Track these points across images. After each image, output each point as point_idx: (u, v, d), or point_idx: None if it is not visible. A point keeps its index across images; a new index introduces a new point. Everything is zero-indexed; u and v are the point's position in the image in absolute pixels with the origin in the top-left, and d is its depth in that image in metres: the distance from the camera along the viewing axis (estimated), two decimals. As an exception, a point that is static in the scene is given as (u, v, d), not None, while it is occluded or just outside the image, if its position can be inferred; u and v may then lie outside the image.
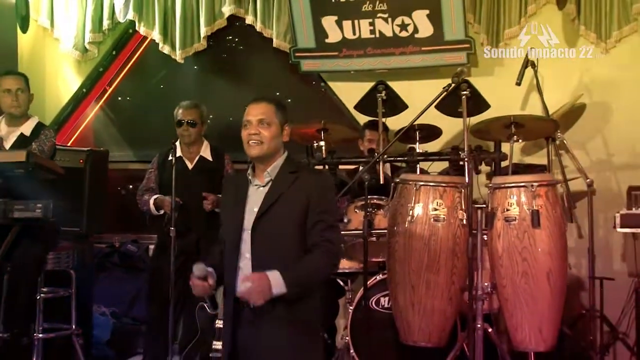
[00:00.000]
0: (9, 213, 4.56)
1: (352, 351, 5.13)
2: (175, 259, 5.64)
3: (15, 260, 4.92)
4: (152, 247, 6.65)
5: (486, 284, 4.45)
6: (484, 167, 5.23)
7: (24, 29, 6.81)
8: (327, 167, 5.32)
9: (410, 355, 4.88)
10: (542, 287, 4.28)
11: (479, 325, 4.33)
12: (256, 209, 3.44)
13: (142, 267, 6.74)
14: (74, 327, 5.50)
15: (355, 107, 5.62)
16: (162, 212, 5.77)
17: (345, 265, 5.48)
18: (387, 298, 5.17)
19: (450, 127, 5.75)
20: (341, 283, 5.70)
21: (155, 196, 5.79)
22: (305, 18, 6.26)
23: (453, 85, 4.54)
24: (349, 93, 6.54)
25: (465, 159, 5.03)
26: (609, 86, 6.11)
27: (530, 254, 4.27)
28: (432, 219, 4.39)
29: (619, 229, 5.19)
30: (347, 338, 5.29)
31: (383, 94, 5.30)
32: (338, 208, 3.55)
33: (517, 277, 4.29)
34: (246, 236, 3.44)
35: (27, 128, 5.27)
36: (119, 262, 6.83)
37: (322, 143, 5.38)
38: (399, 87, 5.65)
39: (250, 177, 3.55)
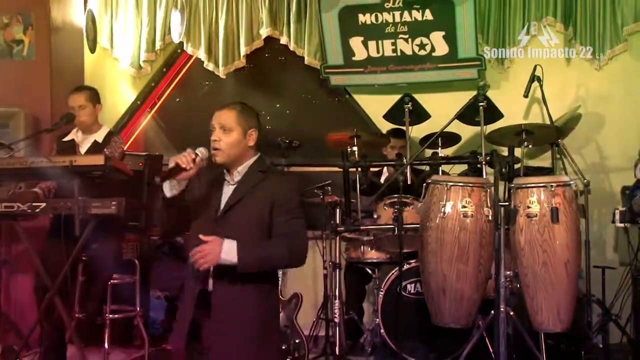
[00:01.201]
0: (87, 209, 4.43)
1: (382, 331, 5.08)
2: None
3: (93, 251, 4.85)
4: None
5: (508, 272, 4.30)
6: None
7: (93, 50, 6.71)
8: (360, 169, 5.20)
9: (432, 334, 4.84)
10: (560, 275, 4.15)
11: (502, 309, 4.17)
12: (223, 206, 3.16)
13: (186, 256, 6.60)
14: (138, 309, 5.37)
15: (384, 117, 5.51)
16: None
17: (373, 255, 5.43)
18: (413, 285, 5.10)
19: (467, 134, 5.67)
20: (369, 271, 5.61)
21: None
22: (335, 38, 6.19)
23: (479, 95, 4.43)
24: (372, 104, 6.50)
25: (483, 162, 4.96)
26: (602, 99, 6.03)
27: (549, 246, 4.14)
28: (461, 215, 4.26)
29: (618, 224, 5.07)
30: (377, 320, 5.19)
31: (409, 105, 5.19)
32: (303, 208, 3.25)
33: (537, 267, 4.16)
34: (214, 228, 3.09)
35: (99, 136, 5.23)
36: (168, 252, 6.68)
37: (354, 148, 5.26)
38: (422, 99, 5.56)
39: (226, 176, 3.24)
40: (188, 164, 3.02)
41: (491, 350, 4.84)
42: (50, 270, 4.76)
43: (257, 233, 3.14)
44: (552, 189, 4.16)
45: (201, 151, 3.11)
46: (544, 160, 5.94)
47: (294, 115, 6.68)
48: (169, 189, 3.08)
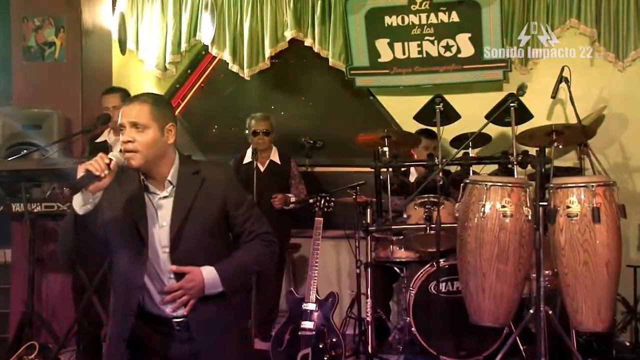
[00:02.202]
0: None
1: (413, 329, 4.95)
2: None
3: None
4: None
5: (547, 272, 4.20)
6: (529, 169, 5.06)
7: (123, 51, 6.58)
8: (391, 169, 5.09)
9: (462, 332, 4.74)
10: (601, 275, 4.04)
11: (542, 308, 4.06)
12: (165, 224, 2.66)
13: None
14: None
15: (415, 117, 5.37)
16: None
17: (402, 255, 5.34)
18: (444, 283, 4.98)
19: (495, 134, 5.56)
20: (397, 270, 5.50)
21: None
22: (361, 40, 6.09)
23: (519, 96, 4.33)
24: (395, 105, 6.41)
25: (515, 162, 4.86)
26: (625, 100, 5.92)
27: (590, 246, 4.02)
28: (501, 215, 4.14)
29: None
30: (407, 318, 5.08)
31: (441, 106, 5.07)
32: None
33: (578, 266, 4.04)
34: (162, 255, 2.64)
35: None
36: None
37: (385, 149, 5.14)
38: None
39: (145, 183, 2.69)
40: (102, 171, 2.45)
41: (522, 348, 4.75)
42: (86, 269, 4.66)
43: (217, 242, 2.75)
44: (593, 188, 4.04)
45: (115, 155, 2.56)
46: (567, 161, 5.84)
47: (318, 116, 6.54)
48: (80, 203, 2.47)
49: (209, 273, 2.61)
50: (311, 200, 5.07)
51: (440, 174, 4.95)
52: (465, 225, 4.25)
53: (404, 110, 6.27)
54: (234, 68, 6.55)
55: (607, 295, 4.08)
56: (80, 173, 2.43)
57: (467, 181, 4.34)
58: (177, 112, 6.85)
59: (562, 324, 4.24)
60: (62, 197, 4.52)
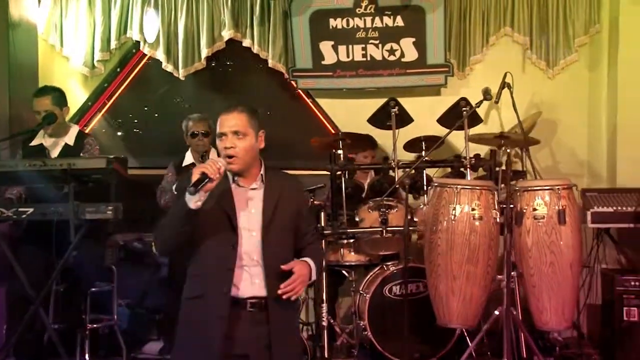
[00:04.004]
0: (81, 214, 3.98)
1: (369, 333, 4.87)
2: None
3: (80, 258, 4.41)
4: (156, 244, 6.15)
5: (513, 273, 4.22)
6: (480, 172, 5.10)
7: None
8: (347, 172, 4.98)
9: (416, 335, 4.68)
10: (566, 275, 4.12)
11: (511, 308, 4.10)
12: (254, 211, 2.94)
13: (148, 262, 6.13)
14: (115, 317, 4.92)
15: (368, 121, 5.29)
16: None
17: (352, 258, 5.27)
18: (398, 286, 4.93)
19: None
20: (345, 273, 5.39)
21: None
22: (305, 42, 5.97)
23: (487, 99, 4.35)
24: (336, 108, 6.31)
25: (468, 165, 4.89)
26: (555, 106, 6.09)
27: (556, 247, 4.10)
28: (471, 218, 4.13)
29: (590, 225, 5.08)
30: (362, 322, 4.99)
31: (396, 109, 5.02)
32: None
33: (544, 267, 4.11)
34: (252, 237, 2.91)
35: (70, 138, 4.81)
36: (125, 258, 6.19)
37: (340, 151, 5.03)
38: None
39: (234, 178, 2.97)
40: (215, 174, 2.74)
41: (471, 346, 4.76)
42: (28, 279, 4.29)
43: (290, 243, 3.06)
44: (559, 191, 4.11)
45: (221, 161, 2.83)
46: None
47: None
48: (194, 200, 2.74)
49: (310, 265, 2.97)
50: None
51: (397, 177, 4.93)
52: (435, 228, 4.21)
53: (344, 114, 6.21)
54: (168, 68, 6.26)
55: (570, 295, 4.18)
56: (196, 175, 2.71)
57: (436, 184, 4.31)
58: (103, 112, 6.48)
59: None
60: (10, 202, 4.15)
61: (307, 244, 3.15)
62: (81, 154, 4.56)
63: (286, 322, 3.00)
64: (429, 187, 5.01)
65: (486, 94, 4.41)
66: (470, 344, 4.76)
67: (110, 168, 3.90)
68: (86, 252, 4.42)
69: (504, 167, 5.50)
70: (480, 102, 4.47)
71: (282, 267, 2.87)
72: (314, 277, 2.98)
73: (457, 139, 5.45)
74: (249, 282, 2.89)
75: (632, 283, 4.82)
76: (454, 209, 4.13)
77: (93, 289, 4.79)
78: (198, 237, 2.89)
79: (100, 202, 4.26)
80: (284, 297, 2.85)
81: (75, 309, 4.64)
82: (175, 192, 3.06)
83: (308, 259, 2.99)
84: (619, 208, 5.08)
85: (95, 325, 4.83)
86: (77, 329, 4.67)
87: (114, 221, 4.50)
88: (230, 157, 2.85)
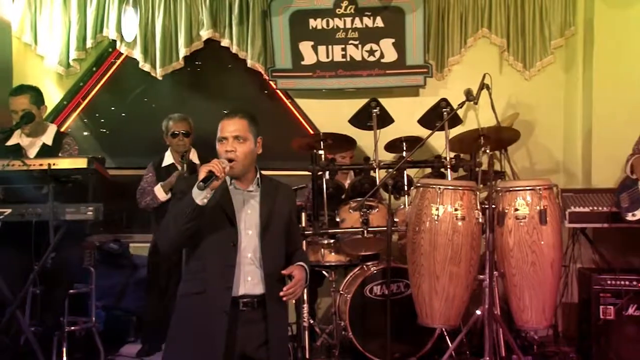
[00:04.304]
0: (60, 215, 3.90)
1: (350, 333, 4.86)
2: (171, 256, 5.21)
3: (59, 259, 4.32)
4: (132, 245, 6.12)
5: (495, 272, 4.25)
6: (460, 172, 5.12)
7: None
8: (328, 172, 4.97)
9: (396, 335, 4.61)
10: (547, 274, 4.14)
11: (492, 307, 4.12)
12: (251, 212, 3.07)
13: (124, 264, 6.07)
14: (93, 319, 4.85)
15: (350, 121, 5.26)
16: (169, 195, 5.22)
17: (332, 259, 5.25)
18: (379, 287, 4.93)
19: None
20: (325, 274, 5.38)
21: (161, 183, 5.30)
22: (284, 42, 5.94)
23: (470, 100, 4.36)
24: (314, 108, 6.31)
25: (448, 166, 4.90)
26: (531, 108, 6.15)
27: (538, 247, 4.11)
28: (454, 218, 4.13)
29: (567, 225, 5.14)
30: (342, 322, 4.99)
31: (377, 110, 5.02)
32: None
33: (526, 267, 4.12)
34: (250, 237, 3.04)
35: (47, 137, 4.70)
36: (101, 260, 6.10)
37: (321, 152, 5.01)
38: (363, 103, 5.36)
39: (231, 181, 3.09)
40: (221, 172, 2.88)
41: (450, 344, 4.80)
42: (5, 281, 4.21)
43: (283, 243, 3.19)
44: (540, 191, 4.13)
45: (224, 160, 2.95)
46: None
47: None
48: (201, 197, 2.87)
49: (306, 269, 3.14)
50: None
51: (378, 178, 4.92)
52: (417, 229, 4.20)
53: (323, 114, 6.20)
54: (146, 67, 6.19)
55: (550, 294, 4.20)
56: (203, 173, 2.83)
57: (419, 184, 4.31)
58: (78, 112, 6.39)
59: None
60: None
61: (296, 248, 3.31)
62: (60, 154, 4.47)
63: (281, 319, 3.15)
64: (410, 188, 5.03)
65: (469, 94, 4.41)
66: (449, 343, 4.80)
67: (91, 168, 3.83)
68: (66, 253, 4.33)
69: (484, 168, 5.60)
70: (463, 103, 4.48)
71: (283, 272, 3.04)
72: (307, 281, 3.14)
73: (436, 139, 5.46)
74: (242, 280, 2.99)
75: (609, 282, 4.87)
76: (437, 209, 4.13)
77: (71, 291, 4.69)
78: (198, 235, 2.98)
79: (76, 202, 4.19)
80: (285, 299, 3.00)
81: (53, 311, 4.53)
82: (175, 195, 3.11)
83: (303, 264, 3.14)
84: (595, 208, 5.14)
85: (73, 328, 4.75)
86: (54, 332, 4.56)
87: (91, 222, 4.44)
88: (230, 160, 2.95)
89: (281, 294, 2.97)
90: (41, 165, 3.81)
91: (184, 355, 2.98)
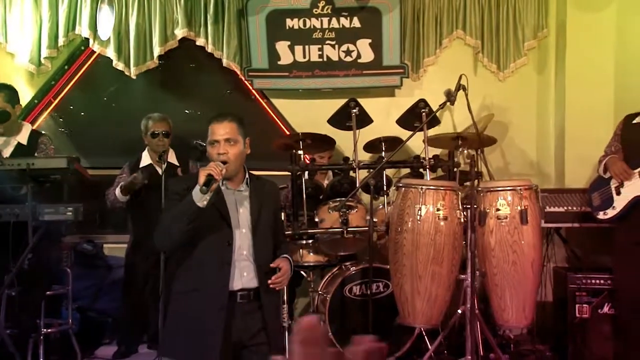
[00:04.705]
0: (39, 215, 3.81)
1: (329, 334, 4.82)
2: (149, 256, 5.16)
3: (36, 260, 4.19)
4: (106, 246, 6.01)
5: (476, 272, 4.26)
6: (439, 172, 5.13)
7: None
8: (307, 172, 4.94)
9: (375, 334, 4.60)
10: (527, 274, 4.17)
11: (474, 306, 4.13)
12: (242, 210, 3.21)
13: (98, 264, 5.96)
14: (70, 321, 4.74)
15: (328, 121, 5.24)
16: (128, 196, 5.18)
17: (311, 259, 5.23)
18: (358, 287, 4.92)
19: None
20: (304, 274, 5.35)
21: (121, 183, 5.19)
22: (261, 42, 5.88)
23: (451, 101, 4.37)
24: (290, 108, 6.25)
25: (427, 167, 4.91)
26: (505, 108, 6.19)
27: (519, 247, 4.14)
28: (437, 218, 4.14)
29: (543, 224, 5.17)
30: (322, 323, 4.95)
31: (356, 110, 5.00)
32: None
33: (507, 266, 4.15)
34: (244, 235, 3.17)
35: (22, 137, 4.59)
36: (75, 261, 5.98)
37: (300, 152, 4.98)
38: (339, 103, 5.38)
39: (226, 185, 3.23)
40: (219, 175, 3.01)
41: (429, 345, 4.82)
42: None
43: (271, 239, 3.34)
44: (521, 191, 4.16)
45: (220, 164, 3.06)
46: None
47: (209, 118, 6.20)
48: (202, 199, 3.01)
49: (290, 261, 3.31)
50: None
51: (358, 178, 4.90)
52: (400, 229, 4.20)
53: (299, 114, 6.16)
54: (119, 66, 6.08)
55: (531, 294, 4.23)
56: (202, 177, 2.94)
57: (400, 185, 4.30)
58: (49, 110, 6.26)
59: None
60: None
61: (280, 241, 3.48)
62: (36, 154, 4.37)
63: (275, 307, 3.38)
64: (389, 188, 5.03)
65: (450, 95, 4.42)
66: (428, 342, 4.82)
67: (72, 168, 3.74)
68: (44, 254, 4.23)
69: (462, 168, 5.63)
70: (444, 103, 4.49)
71: (272, 264, 3.19)
72: (292, 271, 3.34)
73: (413, 139, 5.46)
74: (239, 276, 3.13)
75: (584, 281, 4.93)
76: (420, 209, 4.13)
77: (48, 292, 4.58)
78: (196, 234, 3.09)
79: (52, 203, 4.11)
80: (276, 287, 3.20)
81: (29, 313, 4.42)
82: (169, 197, 3.25)
83: (287, 256, 3.32)
84: (570, 208, 5.21)
85: (50, 330, 4.64)
86: (31, 334, 4.46)
87: (70, 222, 4.36)
88: (224, 162, 3.05)
89: (269, 282, 3.12)
90: (19, 165, 3.69)
91: (184, 350, 3.07)
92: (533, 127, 6.24)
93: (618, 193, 4.52)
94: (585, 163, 5.71)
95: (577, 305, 4.92)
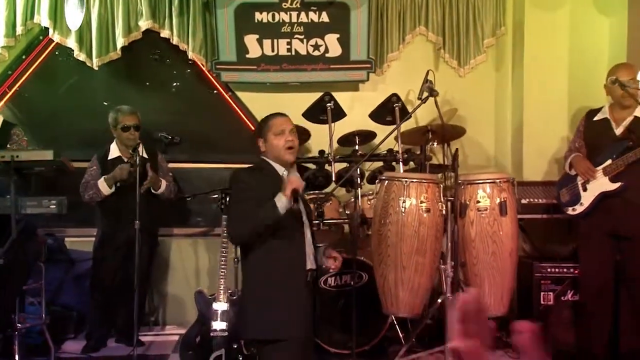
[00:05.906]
0: (21, 209, 3.65)
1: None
2: (118, 250, 5.04)
3: (13, 254, 4.03)
4: (67, 239, 5.83)
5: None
6: (411, 165, 5.19)
7: None
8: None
9: (350, 325, 4.56)
10: (506, 263, 4.27)
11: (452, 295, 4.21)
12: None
13: (60, 259, 5.76)
14: (44, 317, 4.59)
15: (303, 115, 5.22)
16: (113, 189, 5.08)
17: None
18: (333, 278, 4.95)
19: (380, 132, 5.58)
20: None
21: (104, 176, 5.05)
22: (229, 35, 5.79)
23: (433, 96, 4.43)
24: (256, 102, 6.18)
25: (400, 160, 4.97)
26: (465, 104, 6.29)
27: (498, 238, 4.24)
28: (420, 210, 4.18)
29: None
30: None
31: (332, 104, 5.01)
32: None
33: (487, 257, 4.24)
34: (305, 222, 3.42)
35: None
36: (43, 255, 5.79)
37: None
38: (309, 97, 5.44)
39: (283, 172, 3.43)
40: (302, 187, 3.30)
41: (400, 335, 4.89)
42: None
43: None
44: (500, 184, 4.25)
45: (300, 178, 3.35)
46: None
47: (174, 111, 6.09)
48: (286, 206, 3.21)
49: None
50: (215, 196, 4.72)
51: (334, 171, 4.90)
52: (384, 221, 4.23)
53: (265, 108, 6.02)
54: (81, 57, 5.88)
55: (508, 282, 4.34)
56: (289, 190, 3.19)
57: (384, 177, 4.33)
58: (5, 101, 6.00)
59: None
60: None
61: None
62: (8, 145, 4.18)
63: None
64: (362, 181, 5.05)
65: (432, 90, 4.46)
66: (399, 332, 4.89)
67: (58, 161, 3.60)
68: (23, 248, 4.06)
69: (435, 161, 5.70)
70: (427, 98, 4.53)
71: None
72: None
73: (382, 133, 5.51)
74: (308, 260, 3.38)
75: (549, 270, 5.08)
76: (404, 201, 4.17)
77: (24, 287, 4.42)
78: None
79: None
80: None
81: (4, 308, 4.25)
82: (241, 186, 3.39)
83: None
84: (532, 200, 5.34)
85: (25, 325, 4.48)
86: (6, 329, 4.29)
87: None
88: (291, 148, 3.38)
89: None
90: (3, 157, 3.53)
91: (279, 325, 3.23)
92: (491, 122, 6.37)
93: (585, 189, 4.65)
94: (542, 156, 5.90)
95: (542, 293, 5.07)
